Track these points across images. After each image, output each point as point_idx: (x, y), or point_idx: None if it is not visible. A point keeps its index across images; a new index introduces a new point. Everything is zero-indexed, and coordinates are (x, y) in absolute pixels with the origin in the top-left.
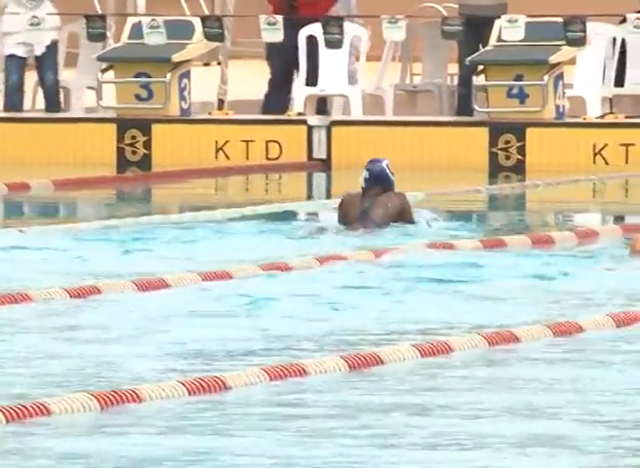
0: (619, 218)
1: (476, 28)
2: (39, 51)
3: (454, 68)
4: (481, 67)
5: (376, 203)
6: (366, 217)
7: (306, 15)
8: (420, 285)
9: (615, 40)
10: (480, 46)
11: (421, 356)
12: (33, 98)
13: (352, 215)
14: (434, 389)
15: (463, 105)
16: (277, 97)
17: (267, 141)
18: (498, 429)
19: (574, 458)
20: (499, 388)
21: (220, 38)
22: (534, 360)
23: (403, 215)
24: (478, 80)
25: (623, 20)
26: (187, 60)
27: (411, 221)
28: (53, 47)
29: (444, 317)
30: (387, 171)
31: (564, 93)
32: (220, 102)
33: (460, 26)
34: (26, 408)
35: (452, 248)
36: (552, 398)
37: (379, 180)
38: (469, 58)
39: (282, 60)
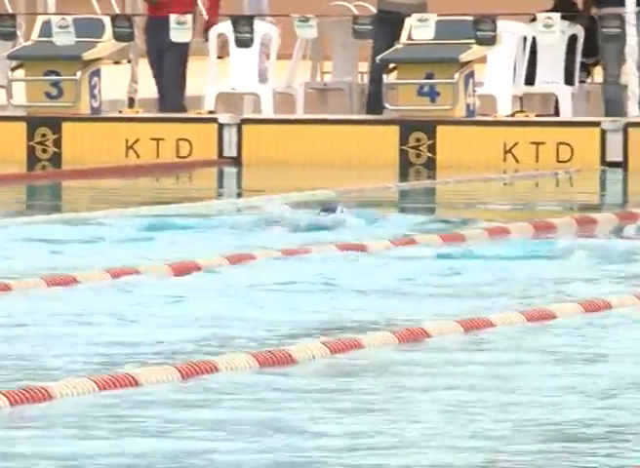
0: (529, 216)
1: (392, 26)
2: None
3: (364, 67)
4: (392, 65)
5: None
6: None
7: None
8: (330, 283)
9: (525, 39)
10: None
11: (331, 353)
12: None
13: None
14: (346, 387)
15: (373, 103)
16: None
17: (178, 140)
18: (408, 426)
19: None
20: (407, 384)
21: (130, 37)
22: (444, 353)
23: None
24: (389, 78)
25: (534, 19)
26: (98, 59)
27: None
28: None
29: (356, 314)
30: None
31: (474, 91)
32: (131, 101)
33: (371, 25)
34: None
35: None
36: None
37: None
38: (380, 57)
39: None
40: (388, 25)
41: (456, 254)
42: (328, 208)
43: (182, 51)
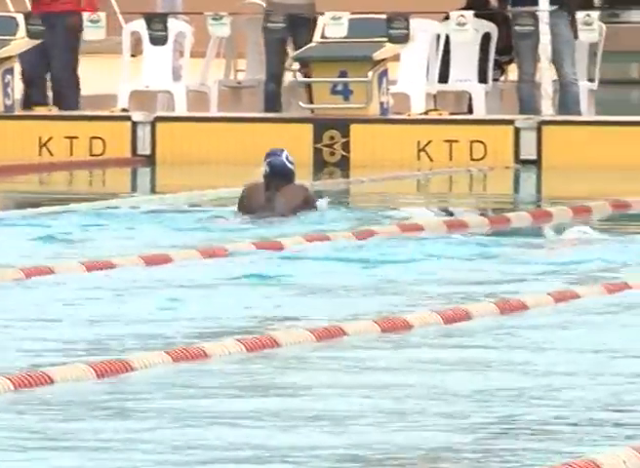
0: (442, 214)
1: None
2: None
3: None
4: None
5: (279, 194)
6: (270, 208)
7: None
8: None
9: (438, 37)
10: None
11: (247, 350)
12: None
13: (256, 206)
14: (263, 383)
15: (271, 101)
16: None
17: (91, 138)
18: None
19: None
20: (324, 382)
21: (43, 35)
22: (361, 350)
23: (306, 206)
24: (301, 76)
25: (447, 18)
26: (11, 57)
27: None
28: None
29: (275, 311)
30: (287, 163)
31: (388, 89)
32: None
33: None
34: None
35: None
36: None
37: (280, 174)
38: (293, 55)
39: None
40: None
41: (372, 251)
42: (273, 153)
43: (71, 48)
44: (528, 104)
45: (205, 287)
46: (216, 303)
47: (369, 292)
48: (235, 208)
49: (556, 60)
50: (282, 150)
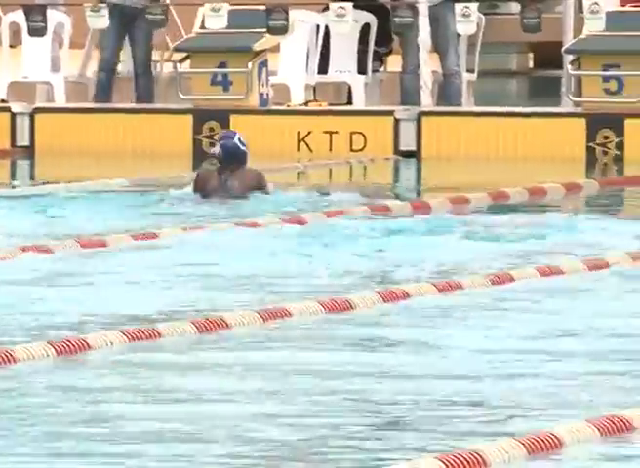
0: (323, 205)
1: (122, 19)
2: None
3: (156, 55)
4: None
5: (233, 176)
6: (224, 189)
7: None
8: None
9: (318, 28)
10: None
11: (129, 341)
12: None
13: (210, 188)
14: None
15: (144, 92)
16: None
17: None
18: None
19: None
20: (204, 373)
21: None
22: (244, 345)
23: (259, 188)
24: (184, 67)
25: (326, 8)
26: None
27: (266, 193)
28: None
29: (154, 303)
30: (239, 145)
31: (268, 80)
32: None
33: (162, 14)
34: None
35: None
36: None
37: (232, 156)
38: (173, 46)
39: None
40: (118, 18)
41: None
42: (226, 136)
43: None
44: (411, 95)
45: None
46: (101, 294)
47: (253, 281)
48: (190, 190)
49: (440, 52)
50: (234, 132)
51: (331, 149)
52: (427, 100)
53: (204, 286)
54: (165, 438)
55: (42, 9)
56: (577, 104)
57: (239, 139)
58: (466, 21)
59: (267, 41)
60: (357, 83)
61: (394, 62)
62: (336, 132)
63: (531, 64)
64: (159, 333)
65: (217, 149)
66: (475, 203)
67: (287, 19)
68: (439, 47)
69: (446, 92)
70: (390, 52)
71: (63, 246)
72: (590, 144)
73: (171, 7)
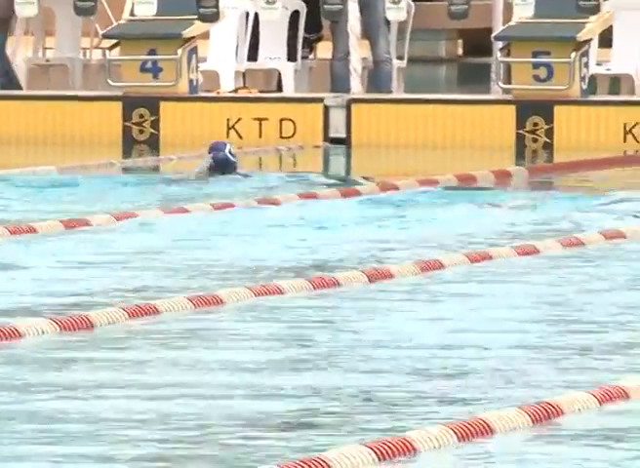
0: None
1: None
2: None
3: (86, 43)
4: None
5: None
6: None
7: None
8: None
9: (248, 15)
10: None
11: (61, 330)
12: None
13: None
14: (78, 366)
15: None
16: None
17: None
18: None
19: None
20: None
21: None
22: (174, 336)
23: None
24: (113, 54)
25: None
26: None
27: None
28: None
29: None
30: (230, 157)
31: (198, 67)
32: None
33: (92, 1)
34: None
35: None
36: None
37: (223, 167)
38: (103, 33)
39: None
40: None
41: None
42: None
43: None
44: (341, 82)
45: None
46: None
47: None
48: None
49: (370, 39)
50: (225, 144)
51: (260, 136)
52: (357, 87)
53: (134, 272)
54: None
55: None
56: (506, 91)
57: (229, 151)
58: (396, 8)
59: (197, 28)
60: (287, 70)
61: (324, 49)
62: (265, 119)
63: (460, 51)
64: (92, 323)
65: (205, 161)
66: (404, 190)
67: (217, 6)
68: (369, 34)
69: (376, 79)
70: (320, 38)
71: None
72: (520, 131)
73: None
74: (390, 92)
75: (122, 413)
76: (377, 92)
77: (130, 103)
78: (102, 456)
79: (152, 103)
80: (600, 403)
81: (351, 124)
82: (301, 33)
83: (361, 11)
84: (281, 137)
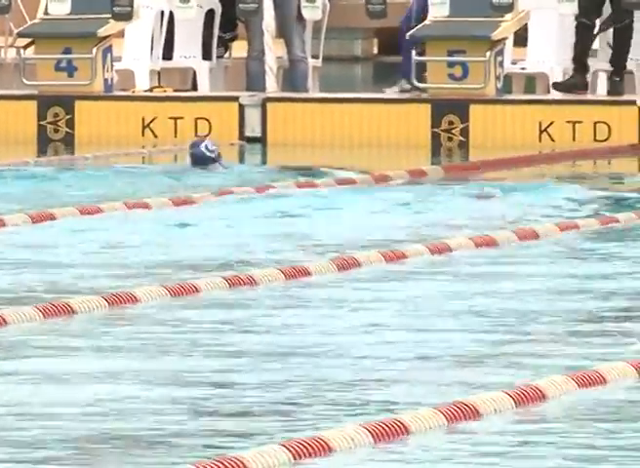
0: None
1: None
2: None
3: (1, 41)
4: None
5: None
6: None
7: None
8: None
9: (163, 13)
10: None
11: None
12: None
13: None
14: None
15: None
16: None
17: None
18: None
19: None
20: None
21: None
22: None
23: None
24: (28, 53)
25: None
26: None
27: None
28: None
29: None
30: (206, 152)
31: (113, 66)
32: None
33: (8, 0)
34: None
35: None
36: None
37: (201, 164)
38: (17, 32)
39: None
40: None
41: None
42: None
43: None
44: (256, 81)
45: None
46: None
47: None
48: None
49: (285, 37)
50: (202, 141)
51: (176, 135)
52: (272, 86)
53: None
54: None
55: None
56: (422, 90)
57: (206, 147)
58: (311, 7)
59: (112, 27)
60: (202, 69)
61: (239, 48)
62: (181, 117)
63: (376, 50)
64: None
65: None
66: (322, 188)
67: (131, 5)
68: (284, 33)
69: (292, 78)
70: (235, 37)
71: None
72: (435, 130)
73: None
74: (306, 91)
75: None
76: (292, 91)
77: (45, 102)
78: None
79: (67, 102)
80: (516, 403)
81: (266, 122)
82: (217, 32)
83: (275, 9)
84: (197, 136)
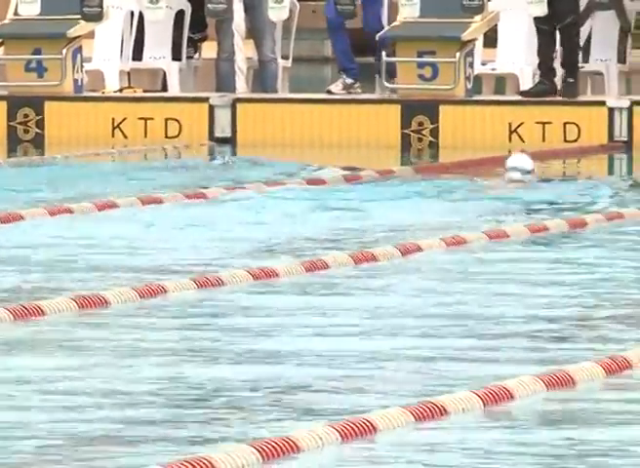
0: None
1: None
2: None
3: None
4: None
5: None
6: None
7: None
8: None
9: (132, 14)
10: None
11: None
12: None
13: None
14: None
15: None
16: None
17: None
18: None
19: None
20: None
21: None
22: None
23: None
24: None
25: None
26: None
27: None
28: None
29: None
30: None
31: (82, 66)
32: None
33: None
34: None
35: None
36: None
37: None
38: None
39: None
40: None
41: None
42: None
43: None
44: (227, 82)
45: None
46: None
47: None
48: None
49: (256, 39)
50: None
51: (146, 136)
52: (242, 87)
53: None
54: None
55: None
56: (391, 91)
57: None
58: (279, 8)
59: (82, 27)
60: (172, 69)
61: (209, 49)
62: (151, 118)
63: None
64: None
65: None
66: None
67: (101, 6)
68: (255, 34)
69: (262, 78)
70: (205, 38)
71: None
72: (405, 131)
73: None
74: (275, 91)
75: None
76: (262, 91)
77: (15, 103)
78: None
79: (37, 103)
80: (484, 403)
81: (237, 123)
82: (186, 33)
83: (246, 11)
84: (166, 137)
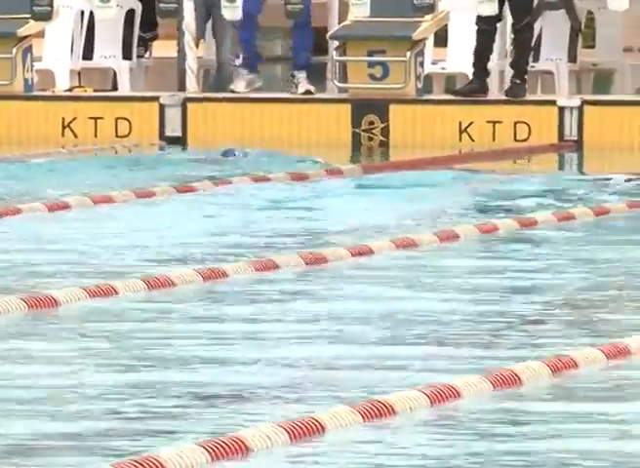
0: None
1: None
2: None
3: None
4: None
5: None
6: None
7: None
8: None
9: (83, 13)
10: None
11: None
12: None
13: None
14: None
15: None
16: None
17: None
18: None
19: None
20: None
21: None
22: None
23: None
24: None
25: None
26: None
27: None
28: None
29: None
30: None
31: (33, 66)
32: None
33: None
34: None
35: None
36: None
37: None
38: None
39: None
40: None
41: None
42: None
43: None
44: (177, 81)
45: None
46: None
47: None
48: None
49: (217, 40)
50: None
51: (96, 135)
52: (193, 86)
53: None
54: None
55: None
56: (342, 90)
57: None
58: (231, 7)
59: (32, 27)
60: (122, 68)
61: (160, 48)
62: (101, 117)
63: None
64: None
65: None
66: (235, 185)
67: (51, 5)
68: (216, 35)
69: (219, 79)
70: (155, 37)
71: None
72: (356, 130)
73: None
74: (232, 91)
75: None
76: (220, 91)
77: None
78: None
79: None
80: (431, 402)
81: (187, 123)
82: (137, 32)
83: (208, 12)
84: (117, 136)
